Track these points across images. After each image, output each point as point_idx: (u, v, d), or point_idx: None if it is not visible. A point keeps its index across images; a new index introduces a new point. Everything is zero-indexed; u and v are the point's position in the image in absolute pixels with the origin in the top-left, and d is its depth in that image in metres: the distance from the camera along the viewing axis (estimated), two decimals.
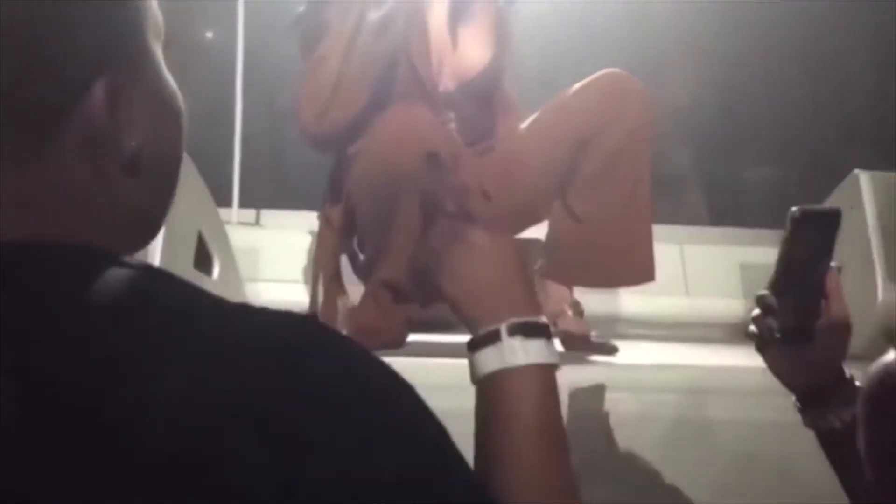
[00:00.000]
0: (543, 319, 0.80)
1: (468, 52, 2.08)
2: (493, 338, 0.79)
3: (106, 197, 0.60)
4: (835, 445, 1.00)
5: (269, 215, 3.25)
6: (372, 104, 1.96)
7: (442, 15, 2.08)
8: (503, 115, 2.14)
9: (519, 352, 0.78)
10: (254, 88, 3.24)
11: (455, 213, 0.87)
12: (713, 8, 3.75)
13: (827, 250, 0.99)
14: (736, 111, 3.79)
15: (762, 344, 0.99)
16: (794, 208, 0.95)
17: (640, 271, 2.08)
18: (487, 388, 0.79)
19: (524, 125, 2.14)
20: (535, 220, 2.19)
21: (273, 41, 3.07)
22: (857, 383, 0.97)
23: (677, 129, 3.73)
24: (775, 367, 1.00)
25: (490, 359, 0.79)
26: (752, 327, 1.00)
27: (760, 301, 0.99)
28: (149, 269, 0.58)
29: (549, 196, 2.09)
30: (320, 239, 2.14)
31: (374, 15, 1.92)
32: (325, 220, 2.11)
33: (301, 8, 2.04)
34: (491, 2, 2.12)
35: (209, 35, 3.85)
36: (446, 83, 2.06)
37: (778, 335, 0.98)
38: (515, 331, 0.78)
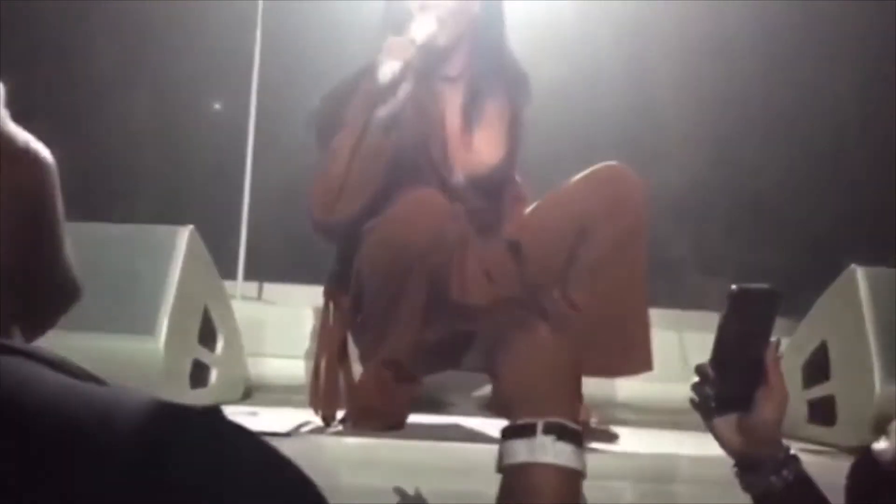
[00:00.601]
0: (579, 427, 0.84)
1: (481, 149, 2.14)
2: (529, 431, 0.83)
3: None
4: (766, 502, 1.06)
5: (271, 289, 3.28)
6: (381, 195, 2.02)
7: (456, 110, 2.15)
8: (512, 206, 2.20)
9: (549, 450, 0.82)
10: (262, 162, 3.29)
11: (529, 305, 0.92)
12: (716, 91, 3.83)
13: (766, 325, 1.06)
14: (739, 195, 3.85)
15: (703, 412, 1.06)
16: (733, 286, 1.01)
17: (638, 361, 2.11)
18: (512, 477, 0.82)
19: (527, 211, 2.19)
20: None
21: (283, 115, 3.14)
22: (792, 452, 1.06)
23: (678, 212, 3.79)
24: (716, 432, 1.08)
25: (521, 450, 0.83)
26: (693, 395, 1.07)
27: (698, 370, 1.07)
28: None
29: (549, 280, 2.13)
30: (325, 315, 2.17)
31: (382, 111, 1.97)
32: (331, 297, 2.14)
33: (317, 103, 2.10)
34: (506, 99, 2.19)
35: (219, 107, 3.93)
36: (458, 177, 2.12)
37: (713, 403, 1.05)
38: (551, 430, 0.83)
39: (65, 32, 3.77)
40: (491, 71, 2.18)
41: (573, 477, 0.82)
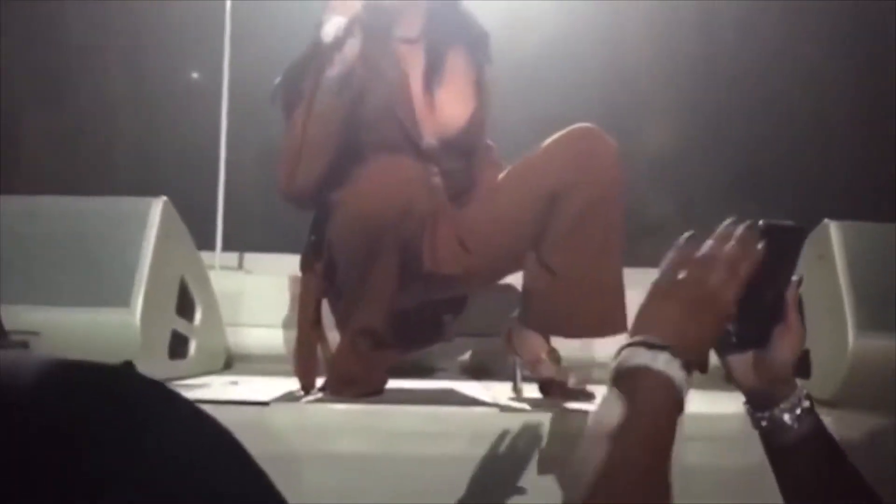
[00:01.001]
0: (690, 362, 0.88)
1: (448, 109, 2.13)
2: (652, 346, 0.87)
3: None
4: (783, 457, 1.06)
5: (252, 259, 3.27)
6: (342, 158, 2.01)
7: (418, 71, 2.13)
8: (485, 168, 2.19)
9: (673, 366, 0.87)
10: (238, 129, 3.27)
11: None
12: (694, 57, 3.83)
13: (789, 263, 1.05)
14: (719, 156, 3.85)
15: (720, 347, 1.06)
16: (759, 221, 1.00)
17: (613, 323, 2.12)
18: (624, 379, 0.87)
19: (500, 177, 2.18)
20: (513, 268, 2.23)
21: (257, 83, 3.11)
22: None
23: (661, 174, 3.80)
24: (731, 368, 1.08)
25: (643, 356, 0.87)
26: None
27: None
28: None
29: (524, 245, 2.13)
30: (303, 285, 2.17)
31: (331, 72, 1.96)
32: (307, 267, 2.14)
33: (278, 79, 2.08)
34: (467, 59, 2.17)
35: (194, 76, 3.90)
36: (428, 138, 2.10)
37: (733, 339, 1.05)
38: (677, 354, 0.87)
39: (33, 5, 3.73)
40: (449, 30, 2.16)
41: (679, 396, 0.87)
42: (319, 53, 1.94)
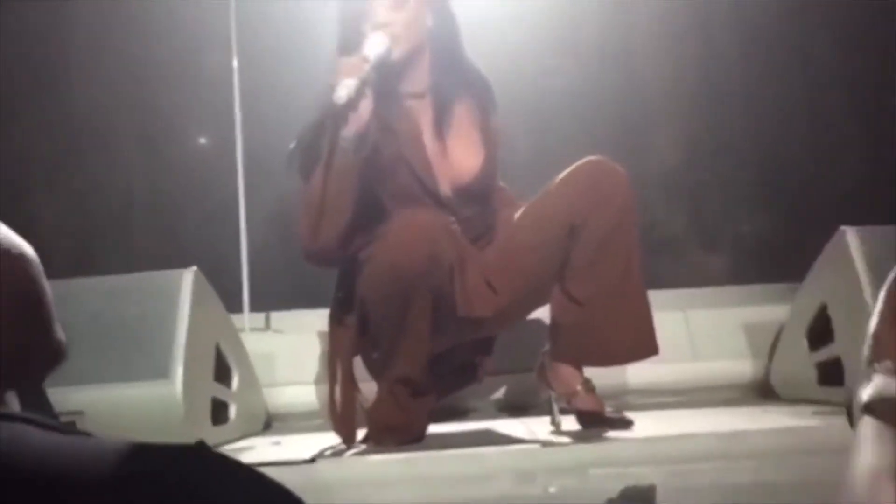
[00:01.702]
0: None
1: (460, 159, 2.19)
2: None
3: None
4: None
5: (277, 317, 3.30)
6: (365, 215, 2.06)
7: (429, 125, 2.19)
8: (500, 210, 2.24)
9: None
10: (255, 192, 3.30)
11: None
12: (704, 69, 3.85)
13: None
14: (732, 168, 3.86)
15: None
16: None
17: (643, 347, 2.16)
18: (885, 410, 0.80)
19: (517, 214, 2.23)
20: (539, 303, 2.27)
21: (271, 143, 3.16)
22: None
23: (673, 191, 3.82)
24: None
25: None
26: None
27: None
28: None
29: (548, 280, 2.17)
30: (332, 340, 2.21)
31: (346, 132, 2.01)
32: (337, 323, 2.18)
33: (293, 143, 2.13)
34: (473, 108, 2.23)
35: (206, 141, 3.95)
36: (445, 189, 2.16)
37: None
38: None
39: (43, 82, 3.80)
40: (454, 82, 2.22)
41: None
42: (334, 115, 2.00)
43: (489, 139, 2.22)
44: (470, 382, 2.36)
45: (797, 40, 3.74)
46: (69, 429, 0.65)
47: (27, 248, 0.76)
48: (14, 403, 0.71)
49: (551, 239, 2.14)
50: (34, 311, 0.74)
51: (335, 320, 2.19)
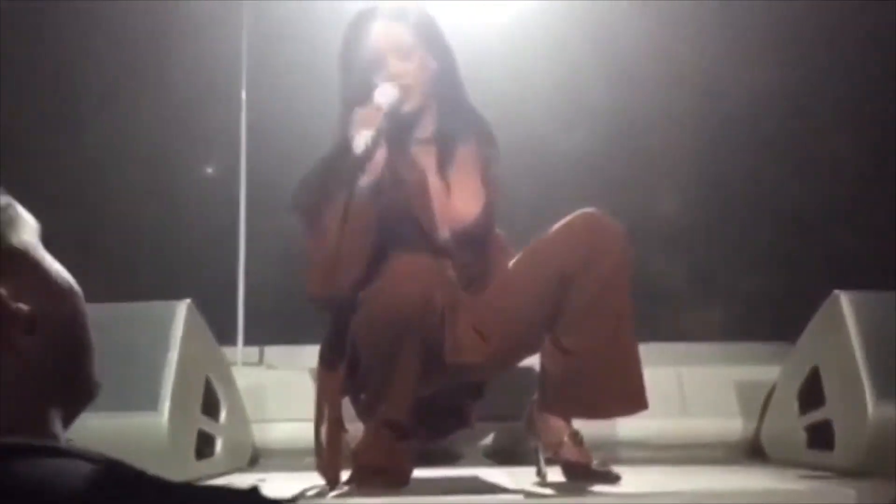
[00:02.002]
0: None
1: (461, 204, 2.21)
2: None
3: (13, 363, 0.69)
4: None
5: (272, 352, 3.30)
6: (372, 259, 2.07)
7: (433, 170, 2.21)
8: (495, 256, 2.25)
9: None
10: (256, 225, 3.32)
11: None
12: (702, 124, 3.88)
13: None
14: (729, 223, 3.87)
15: None
16: None
17: (632, 401, 2.16)
18: None
19: (511, 263, 2.24)
20: (529, 352, 2.27)
21: (274, 178, 3.18)
22: None
23: (669, 244, 3.83)
24: None
25: None
26: None
27: None
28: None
29: (539, 328, 2.18)
30: (320, 381, 2.21)
31: (364, 181, 2.03)
32: (326, 364, 2.19)
33: (297, 185, 2.15)
34: (476, 154, 2.25)
35: (210, 172, 3.98)
36: (444, 234, 2.18)
37: None
38: None
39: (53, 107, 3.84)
40: (458, 127, 2.24)
41: None
42: (353, 165, 2.02)
43: (490, 186, 2.24)
44: (461, 427, 2.35)
45: (799, 100, 3.76)
46: (121, 464, 0.66)
47: (75, 283, 0.78)
48: (63, 438, 0.73)
49: (543, 287, 2.15)
50: (83, 349, 0.76)
51: (324, 361, 2.19)
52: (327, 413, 2.14)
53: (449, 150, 2.22)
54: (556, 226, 2.20)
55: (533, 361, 2.30)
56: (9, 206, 0.73)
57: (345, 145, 2.05)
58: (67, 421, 0.77)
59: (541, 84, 3.80)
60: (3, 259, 0.71)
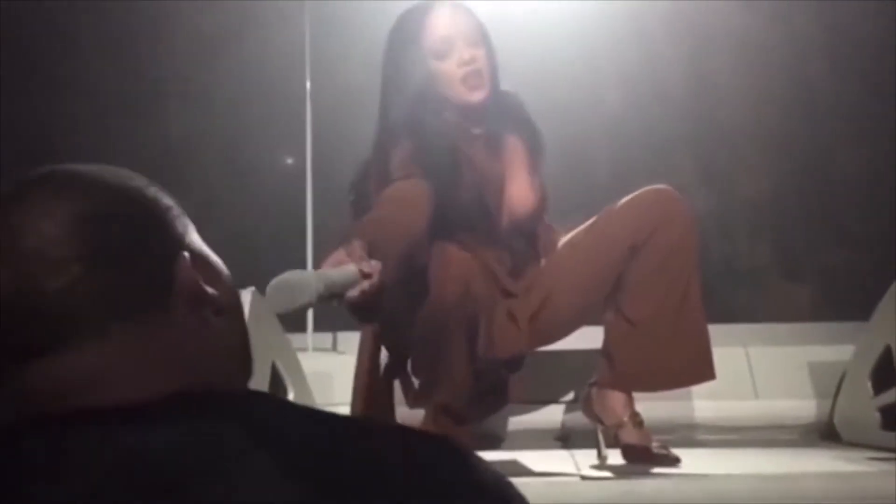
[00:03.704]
0: None
1: (516, 193, 2.25)
2: None
3: (213, 342, 0.74)
4: None
5: (345, 338, 3.35)
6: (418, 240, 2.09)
7: (485, 154, 2.23)
8: (546, 243, 2.29)
9: None
10: (324, 204, 3.37)
11: None
12: (783, 96, 3.79)
13: None
14: (811, 201, 3.79)
15: None
16: None
17: (699, 370, 2.14)
18: None
19: (572, 234, 2.27)
20: (581, 323, 2.27)
21: (340, 164, 3.22)
22: None
23: (752, 223, 3.76)
24: None
25: None
26: None
27: None
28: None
29: (600, 298, 2.19)
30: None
31: (427, 162, 2.06)
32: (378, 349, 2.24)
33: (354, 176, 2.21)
34: (524, 147, 2.29)
35: (279, 161, 4.04)
36: (504, 223, 2.22)
37: None
38: None
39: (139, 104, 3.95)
40: (506, 119, 2.27)
41: None
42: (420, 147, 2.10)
43: (539, 179, 2.29)
44: (502, 405, 2.37)
45: (884, 79, 3.64)
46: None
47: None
48: None
49: (611, 257, 2.16)
50: (247, 332, 0.82)
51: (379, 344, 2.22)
52: (363, 363, 2.19)
53: (499, 143, 2.25)
54: (624, 199, 2.21)
55: (589, 343, 2.29)
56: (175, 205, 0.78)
57: (419, 131, 2.08)
58: None
59: (616, 67, 3.77)
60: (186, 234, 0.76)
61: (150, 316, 0.71)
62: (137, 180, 0.76)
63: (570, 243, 2.26)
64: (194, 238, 0.77)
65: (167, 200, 0.76)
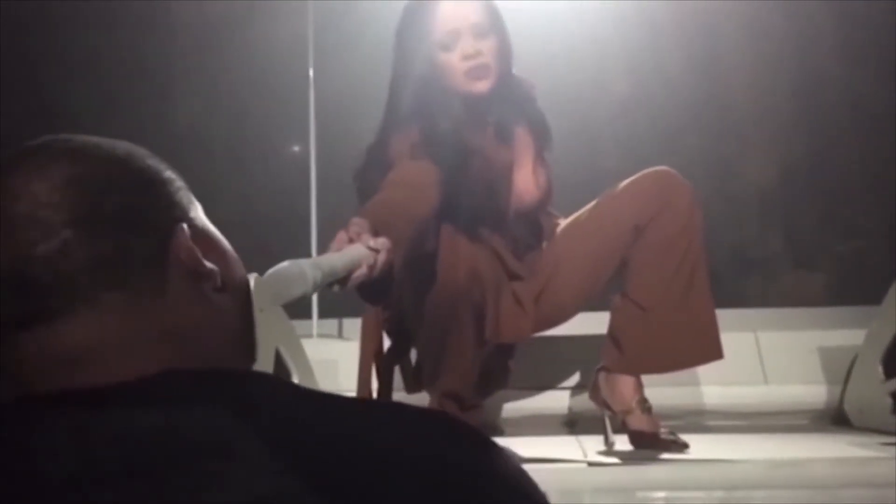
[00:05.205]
0: None
1: (522, 182, 2.23)
2: None
3: (212, 319, 0.71)
4: None
5: (351, 324, 3.33)
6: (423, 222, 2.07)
7: (495, 143, 2.20)
8: (546, 228, 2.28)
9: None
10: (328, 191, 3.35)
11: None
12: (791, 82, 3.76)
13: None
14: (810, 192, 3.77)
15: None
16: None
17: (707, 350, 2.13)
18: None
19: (574, 216, 2.26)
20: (583, 305, 2.26)
21: (344, 150, 3.20)
22: None
23: (763, 209, 3.73)
24: None
25: None
26: None
27: None
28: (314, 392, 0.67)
29: (604, 278, 2.19)
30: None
31: (438, 150, 2.05)
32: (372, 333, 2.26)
33: (359, 164, 2.17)
34: (530, 136, 2.27)
35: (283, 148, 4.03)
36: (511, 213, 2.21)
37: None
38: None
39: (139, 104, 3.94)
40: (514, 109, 2.25)
41: None
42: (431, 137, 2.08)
43: (545, 169, 2.27)
44: (501, 388, 2.37)
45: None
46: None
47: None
48: None
49: (615, 238, 2.16)
50: (252, 313, 0.80)
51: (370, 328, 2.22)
52: (367, 349, 2.20)
53: (506, 131, 2.23)
54: (626, 181, 2.19)
55: (595, 330, 2.26)
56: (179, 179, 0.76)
57: (429, 122, 2.07)
58: None
59: (624, 54, 3.74)
60: (188, 206, 0.74)
61: (144, 286, 0.68)
62: (137, 151, 0.73)
63: (572, 225, 2.25)
64: (198, 214, 0.75)
65: (169, 174, 0.74)
